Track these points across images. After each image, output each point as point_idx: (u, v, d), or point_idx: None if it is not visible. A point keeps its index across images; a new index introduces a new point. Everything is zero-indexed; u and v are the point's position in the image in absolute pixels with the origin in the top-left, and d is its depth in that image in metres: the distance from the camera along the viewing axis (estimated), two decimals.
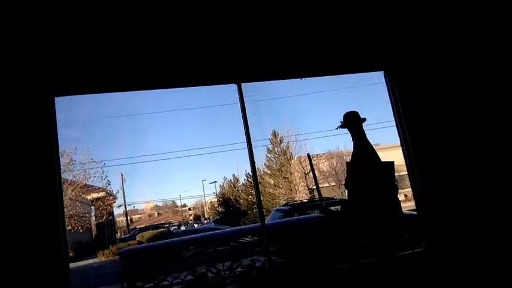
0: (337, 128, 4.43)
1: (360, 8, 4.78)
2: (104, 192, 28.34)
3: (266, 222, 10.95)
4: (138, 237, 24.56)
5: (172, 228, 69.02)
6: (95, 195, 28.00)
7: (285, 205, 11.86)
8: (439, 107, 4.73)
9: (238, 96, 4.55)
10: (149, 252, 4.82)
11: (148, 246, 5.06)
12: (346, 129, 4.47)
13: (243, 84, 4.53)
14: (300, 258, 4.90)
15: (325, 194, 31.60)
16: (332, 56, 4.76)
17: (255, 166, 4.62)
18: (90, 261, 22.73)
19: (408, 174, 4.66)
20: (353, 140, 4.47)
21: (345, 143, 39.03)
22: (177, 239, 5.35)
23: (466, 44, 4.79)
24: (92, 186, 27.11)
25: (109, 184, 26.10)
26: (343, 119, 4.45)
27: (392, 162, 4.45)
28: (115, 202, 29.64)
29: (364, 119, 4.52)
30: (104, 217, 26.42)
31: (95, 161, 24.31)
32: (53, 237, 3.50)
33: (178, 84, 4.39)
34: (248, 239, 4.97)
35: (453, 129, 4.67)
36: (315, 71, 4.76)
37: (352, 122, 4.40)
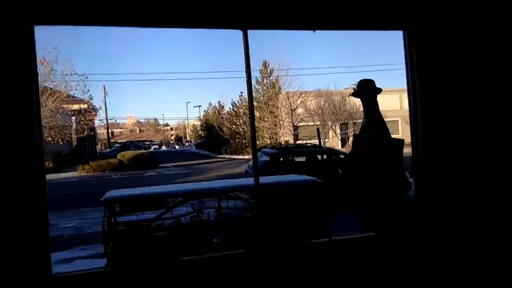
0: (349, 96, 4.07)
1: None
2: (86, 105, 27.70)
3: (251, 162, 10.83)
4: (119, 156, 24.53)
5: (153, 148, 69.41)
6: (77, 106, 27.35)
7: (272, 147, 11.67)
8: (455, 79, 4.39)
9: (243, 43, 4.10)
10: (135, 200, 4.60)
11: (135, 194, 4.79)
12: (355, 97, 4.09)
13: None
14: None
15: (308, 133, 31.75)
16: (349, 8, 4.27)
17: (253, 106, 4.34)
18: (69, 174, 22.78)
19: (412, 142, 4.39)
20: (364, 111, 4.12)
21: (335, 82, 38.60)
22: (167, 189, 5.06)
23: (491, 19, 4.35)
24: (74, 97, 26.37)
25: (91, 99, 25.42)
26: (357, 86, 4.06)
27: (403, 140, 4.18)
28: (97, 116, 29.11)
29: (380, 90, 4.13)
30: (85, 132, 26.01)
31: (76, 73, 23.32)
32: (28, 147, 3.29)
33: (175, 23, 3.89)
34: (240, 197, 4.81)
35: (465, 104, 4.37)
36: (330, 24, 4.29)
37: (367, 91, 4.02)
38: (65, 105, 25.22)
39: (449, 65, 4.41)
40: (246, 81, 4.25)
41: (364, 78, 4.11)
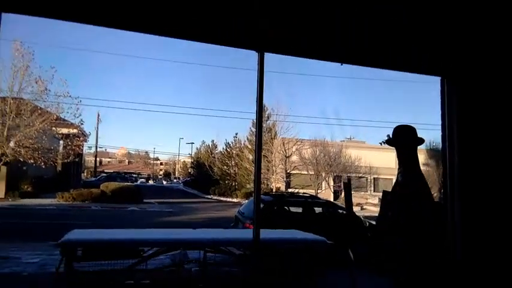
0: (381, 143, 3.33)
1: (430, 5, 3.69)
2: (76, 130, 26.85)
3: (242, 208, 9.94)
4: (102, 187, 23.38)
5: (139, 181, 68.03)
6: (66, 130, 26.47)
7: (265, 194, 10.79)
8: (498, 130, 3.70)
9: (257, 65, 3.41)
10: (102, 246, 3.71)
11: (102, 239, 3.83)
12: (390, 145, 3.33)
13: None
14: None
15: (301, 181, 30.98)
16: (382, 44, 3.64)
17: (261, 147, 3.55)
18: (48, 201, 21.50)
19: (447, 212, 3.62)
20: (399, 164, 3.32)
21: (332, 134, 38.40)
22: (144, 235, 4.09)
23: None
24: (64, 121, 25.56)
25: (82, 123, 24.61)
26: (393, 134, 3.27)
27: (442, 205, 3.42)
28: (86, 142, 28.15)
29: (422, 140, 3.34)
30: (70, 157, 24.96)
31: (70, 96, 22.60)
32: None
33: (182, 34, 3.20)
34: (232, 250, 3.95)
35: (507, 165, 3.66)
36: (361, 59, 3.64)
37: (404, 141, 3.21)
38: (54, 128, 24.38)
39: (493, 120, 3.74)
40: (256, 110, 3.52)
41: (401, 124, 3.36)
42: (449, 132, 3.77)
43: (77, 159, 40.01)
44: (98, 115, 46.57)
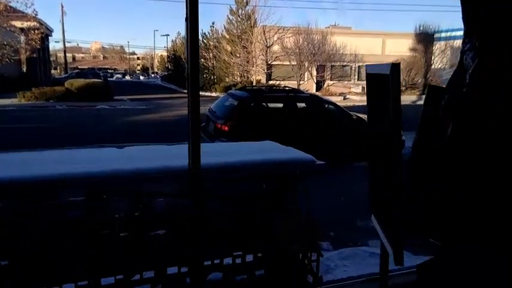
0: None
1: None
2: (33, 22, 23.91)
3: (214, 106, 8.63)
4: (67, 84, 21.44)
5: (115, 77, 65.50)
6: (20, 24, 23.56)
7: (241, 89, 9.37)
8: None
9: None
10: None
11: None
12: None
13: None
14: None
15: (282, 73, 29.40)
16: None
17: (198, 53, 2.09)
18: (8, 101, 19.78)
19: None
20: (467, 39, 1.66)
21: (317, 19, 35.62)
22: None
23: None
24: (19, 12, 22.55)
25: (36, 14, 21.71)
26: None
27: None
28: (42, 35, 25.29)
29: None
30: (27, 53, 22.53)
31: None
32: None
33: None
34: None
35: None
36: None
37: None
38: (6, 21, 21.49)
39: None
40: None
41: None
42: None
43: (41, 56, 37.13)
44: (62, 6, 42.35)
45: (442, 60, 31.32)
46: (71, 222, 2.72)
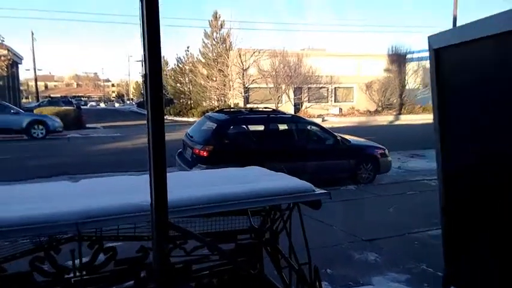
0: None
1: None
2: (4, 50, 23.06)
3: (191, 130, 8.10)
4: (36, 111, 20.48)
5: (89, 104, 64.63)
6: None
7: (219, 111, 8.88)
8: None
9: None
10: None
11: None
12: None
13: None
14: None
15: (260, 96, 29.19)
16: None
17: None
18: None
19: None
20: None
21: (290, 43, 35.87)
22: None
23: None
24: None
25: (2, 40, 20.92)
26: None
27: None
28: (9, 62, 24.37)
29: None
30: None
31: None
32: None
33: None
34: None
35: None
36: None
37: None
38: None
39: None
40: None
41: None
42: None
43: (12, 84, 35.92)
44: (32, 33, 41.43)
45: (416, 80, 31.83)
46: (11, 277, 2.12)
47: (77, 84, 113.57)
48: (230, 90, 28.66)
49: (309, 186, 2.11)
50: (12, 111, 17.29)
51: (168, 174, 2.68)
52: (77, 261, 2.25)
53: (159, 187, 1.24)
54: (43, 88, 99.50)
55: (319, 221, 5.13)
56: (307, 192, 2.09)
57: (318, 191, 2.11)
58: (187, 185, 2.22)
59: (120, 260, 2.36)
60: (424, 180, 8.82)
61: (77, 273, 2.22)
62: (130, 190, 1.98)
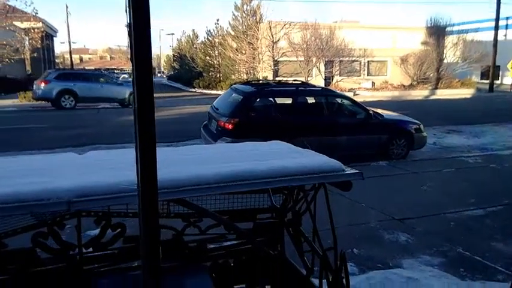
0: None
1: None
2: (34, 22, 23.39)
3: (216, 102, 7.89)
4: None
5: (121, 77, 65.76)
6: (20, 24, 23.05)
7: (246, 83, 8.60)
8: None
9: None
10: None
11: None
12: None
13: None
14: None
15: (290, 69, 28.58)
16: None
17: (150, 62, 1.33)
18: (9, 101, 19.28)
19: None
20: None
21: (322, 16, 34.68)
22: None
23: None
24: (18, 11, 22.04)
25: (36, 13, 21.15)
26: None
27: None
28: (43, 34, 24.71)
29: None
30: (28, 53, 22.03)
31: None
32: None
33: None
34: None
35: None
36: None
37: None
38: (6, 21, 20.97)
39: None
40: None
41: None
42: None
43: (47, 56, 36.78)
44: (67, 7, 41.91)
45: (455, 53, 30.23)
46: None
47: (110, 57, 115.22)
48: (259, 63, 28.17)
49: (338, 165, 1.85)
50: (117, 82, 19.15)
51: (183, 148, 2.48)
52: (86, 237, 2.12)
53: (146, 163, 1.01)
54: (78, 61, 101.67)
55: (346, 198, 4.86)
56: (336, 171, 1.83)
57: (349, 170, 1.85)
58: (202, 160, 2.01)
59: (130, 237, 2.21)
60: (461, 157, 8.34)
61: (83, 250, 2.08)
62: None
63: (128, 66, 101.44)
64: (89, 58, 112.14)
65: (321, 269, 2.11)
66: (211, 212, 2.20)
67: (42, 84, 16.76)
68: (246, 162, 1.87)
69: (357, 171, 1.87)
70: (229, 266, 2.52)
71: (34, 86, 17.47)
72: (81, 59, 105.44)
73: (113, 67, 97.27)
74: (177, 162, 1.88)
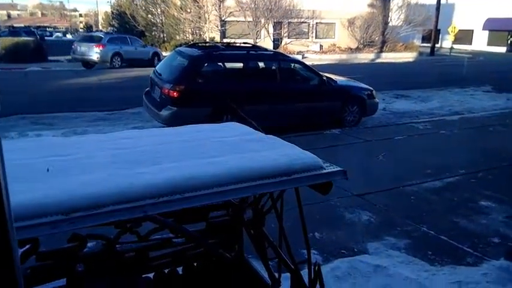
0: None
1: None
2: None
3: (159, 66, 7.16)
4: None
5: (55, 35, 60.85)
6: None
7: (192, 45, 7.87)
8: None
9: None
10: None
11: None
12: None
13: None
14: None
15: (238, 30, 27.56)
16: None
17: None
18: None
19: None
20: None
21: None
22: None
23: None
24: None
25: None
26: None
27: None
28: None
29: None
30: None
31: None
32: None
33: None
34: None
35: None
36: None
37: None
38: None
39: None
40: None
41: None
42: None
43: None
44: None
45: (400, 17, 30.62)
46: None
47: (42, 14, 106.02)
48: (206, 23, 26.87)
49: (314, 161, 1.42)
50: (142, 44, 21.97)
51: (109, 135, 1.92)
52: None
53: None
54: (5, 18, 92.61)
55: None
56: (312, 170, 1.40)
57: (329, 168, 1.42)
58: (132, 159, 1.49)
59: (43, 253, 1.69)
60: (412, 123, 8.33)
61: None
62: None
63: (61, 24, 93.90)
64: (18, 14, 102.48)
65: (291, 284, 1.72)
66: (150, 214, 1.72)
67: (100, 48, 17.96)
68: (191, 161, 1.38)
69: (339, 168, 1.45)
70: (178, 276, 2.09)
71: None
72: (9, 16, 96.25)
73: (45, 25, 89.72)
74: (100, 162, 1.36)
